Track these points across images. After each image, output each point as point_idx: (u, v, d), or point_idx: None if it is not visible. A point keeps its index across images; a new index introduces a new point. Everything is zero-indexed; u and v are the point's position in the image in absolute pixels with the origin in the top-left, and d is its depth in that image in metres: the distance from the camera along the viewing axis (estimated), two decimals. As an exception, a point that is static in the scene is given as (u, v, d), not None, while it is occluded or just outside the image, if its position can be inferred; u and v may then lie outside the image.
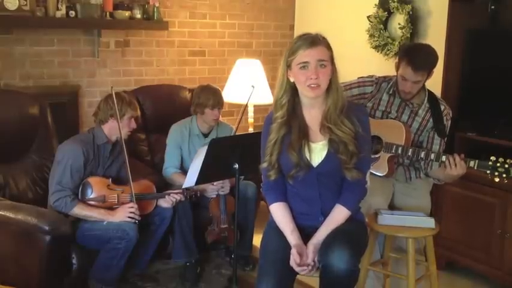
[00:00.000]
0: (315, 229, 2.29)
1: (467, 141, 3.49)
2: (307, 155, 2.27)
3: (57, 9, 3.67)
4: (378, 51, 4.26)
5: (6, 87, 3.63)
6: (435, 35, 3.77)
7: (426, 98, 2.99)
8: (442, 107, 2.98)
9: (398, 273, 2.90)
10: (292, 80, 2.26)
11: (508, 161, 2.57)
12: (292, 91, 2.29)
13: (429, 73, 2.89)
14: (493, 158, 2.59)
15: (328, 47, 2.24)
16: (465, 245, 3.51)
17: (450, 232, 3.52)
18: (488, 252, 3.39)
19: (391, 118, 2.98)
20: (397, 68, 2.93)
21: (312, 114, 2.31)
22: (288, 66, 2.25)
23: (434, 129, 2.96)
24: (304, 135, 2.28)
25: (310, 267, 2.21)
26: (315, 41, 2.21)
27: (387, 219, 2.73)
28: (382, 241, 2.99)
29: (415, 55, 2.88)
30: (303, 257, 2.21)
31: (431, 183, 3.12)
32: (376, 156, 2.89)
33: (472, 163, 2.64)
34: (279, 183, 2.34)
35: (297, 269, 2.21)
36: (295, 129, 2.28)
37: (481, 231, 3.42)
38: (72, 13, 3.72)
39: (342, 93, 2.29)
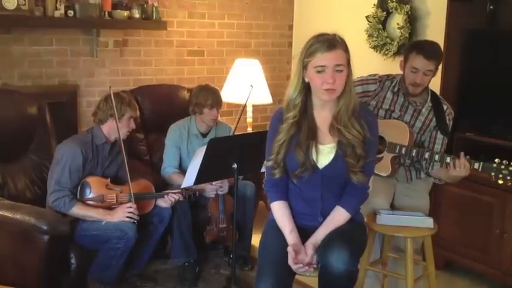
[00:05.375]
0: (314, 229, 2.29)
1: (466, 141, 3.50)
2: (314, 156, 2.27)
3: (56, 8, 3.66)
4: (376, 51, 4.27)
5: (4, 87, 3.63)
6: (434, 35, 3.77)
7: (429, 97, 2.99)
8: (445, 107, 2.98)
9: (397, 273, 2.90)
10: (307, 80, 2.25)
11: None
12: (306, 91, 2.28)
13: (437, 65, 2.89)
14: (497, 160, 2.59)
15: (346, 50, 2.21)
16: (463, 245, 3.52)
17: (449, 232, 3.52)
18: (487, 252, 3.39)
19: (395, 117, 2.98)
20: (404, 65, 2.93)
21: (323, 115, 2.30)
22: (304, 67, 2.23)
23: (438, 128, 2.96)
24: (313, 136, 2.28)
25: (307, 266, 2.21)
26: (333, 44, 2.18)
27: (386, 219, 2.73)
28: (382, 240, 3.00)
29: (423, 45, 2.92)
30: (298, 255, 2.21)
31: (430, 183, 3.12)
32: (379, 156, 2.88)
33: (476, 165, 2.64)
34: (282, 181, 2.34)
35: (293, 266, 2.20)
36: (305, 129, 2.27)
37: (479, 231, 3.42)
38: (70, 13, 3.72)
39: (355, 96, 2.28)
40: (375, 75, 3.10)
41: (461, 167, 2.65)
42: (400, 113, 2.99)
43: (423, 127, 2.99)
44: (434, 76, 2.94)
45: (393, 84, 3.01)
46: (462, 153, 2.67)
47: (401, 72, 2.97)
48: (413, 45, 2.96)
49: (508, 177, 2.56)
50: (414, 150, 2.81)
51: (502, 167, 2.57)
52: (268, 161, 2.34)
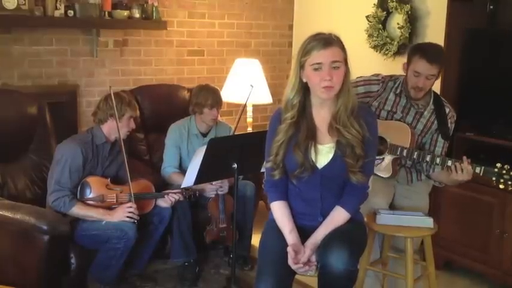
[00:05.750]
0: (314, 229, 2.29)
1: (466, 141, 3.50)
2: (312, 156, 2.26)
3: (56, 8, 3.66)
4: (376, 51, 4.26)
5: (4, 87, 3.63)
6: (434, 34, 3.77)
7: (432, 100, 2.98)
8: (447, 110, 2.96)
9: (397, 273, 2.90)
10: (305, 80, 2.24)
11: None
12: (304, 91, 2.27)
13: (440, 69, 2.87)
14: (498, 164, 2.58)
15: (342, 48, 2.21)
16: (463, 245, 3.52)
17: (448, 232, 3.52)
18: (487, 252, 3.39)
19: (396, 119, 2.97)
20: (407, 68, 2.91)
21: (322, 114, 2.30)
22: (301, 66, 2.23)
23: (439, 131, 2.95)
24: (312, 136, 2.27)
25: (307, 266, 2.21)
26: (329, 41, 2.18)
27: (386, 218, 2.73)
28: (382, 240, 3.00)
29: (426, 48, 2.89)
30: (298, 255, 2.21)
31: (430, 184, 3.11)
32: (380, 157, 2.87)
33: (478, 169, 2.63)
34: (281, 182, 2.34)
35: (293, 266, 2.21)
36: (303, 129, 2.27)
37: (479, 231, 3.42)
38: (70, 12, 3.72)
39: (353, 95, 2.28)
40: (377, 75, 3.08)
41: (463, 171, 2.64)
42: (402, 115, 2.97)
43: (424, 129, 2.97)
44: (437, 79, 2.92)
45: (396, 85, 3.00)
46: (465, 157, 2.66)
47: (404, 73, 2.96)
48: (416, 48, 2.93)
49: (509, 182, 2.55)
50: (415, 153, 2.80)
51: (504, 171, 2.56)
52: (268, 162, 2.33)
